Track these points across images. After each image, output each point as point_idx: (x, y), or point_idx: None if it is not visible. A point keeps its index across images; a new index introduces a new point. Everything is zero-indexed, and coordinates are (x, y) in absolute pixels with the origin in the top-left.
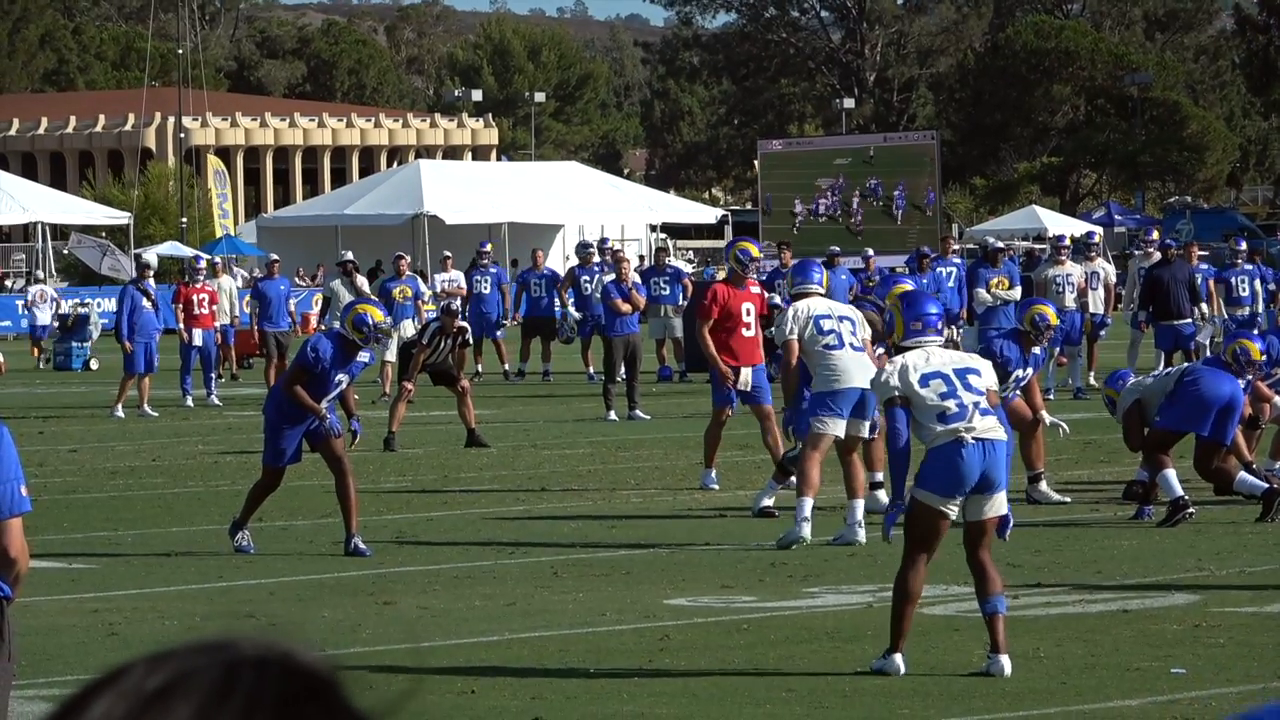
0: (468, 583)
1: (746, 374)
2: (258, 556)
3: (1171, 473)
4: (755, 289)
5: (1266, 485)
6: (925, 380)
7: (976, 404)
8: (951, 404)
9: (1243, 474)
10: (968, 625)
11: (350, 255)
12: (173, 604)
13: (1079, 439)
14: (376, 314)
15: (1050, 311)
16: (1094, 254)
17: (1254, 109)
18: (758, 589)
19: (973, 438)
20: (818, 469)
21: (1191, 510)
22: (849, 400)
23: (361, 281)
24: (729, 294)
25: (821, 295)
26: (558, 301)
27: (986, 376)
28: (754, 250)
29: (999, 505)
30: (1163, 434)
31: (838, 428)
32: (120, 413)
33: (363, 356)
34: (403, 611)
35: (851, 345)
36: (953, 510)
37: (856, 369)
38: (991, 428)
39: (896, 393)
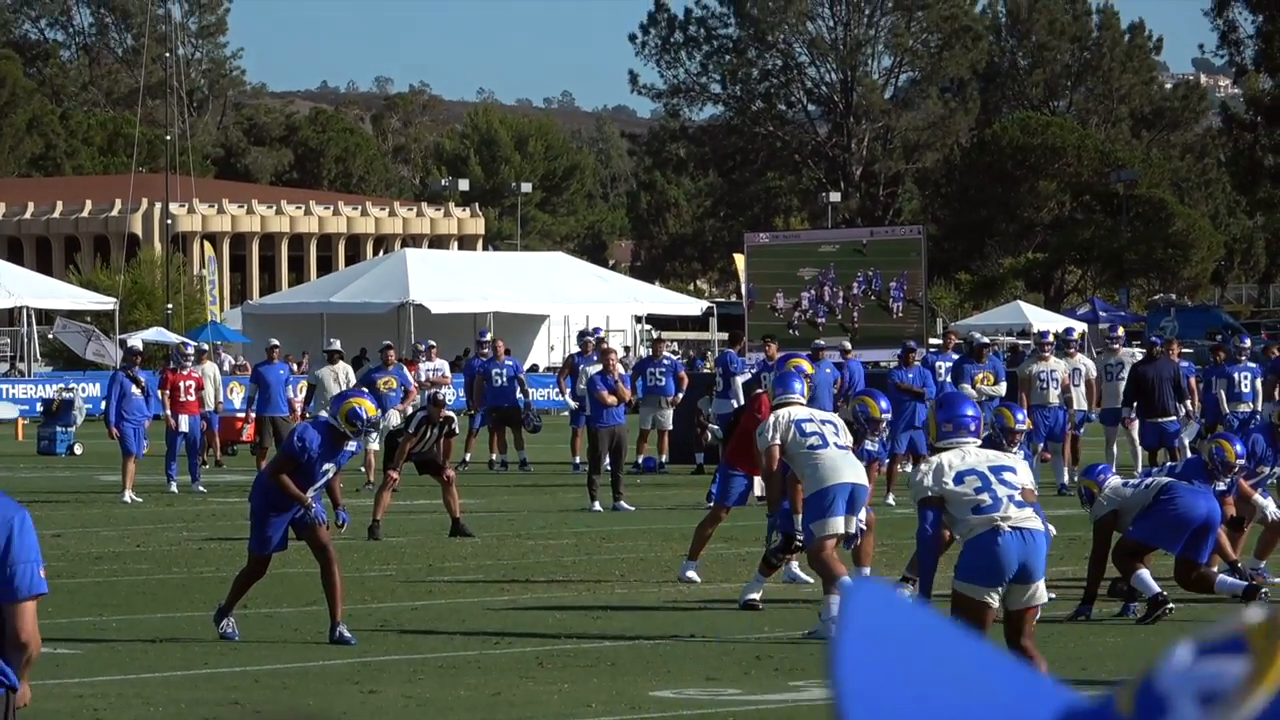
0: (453, 673)
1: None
2: (242, 643)
3: (1145, 572)
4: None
5: (1247, 583)
6: (960, 477)
7: (1011, 496)
8: (985, 496)
9: (1222, 576)
10: None
11: (337, 344)
12: (158, 690)
13: (1063, 535)
14: (370, 408)
15: (1009, 415)
16: (1073, 349)
17: (1239, 207)
18: (743, 682)
19: (1009, 526)
20: (837, 564)
21: (1171, 606)
22: (842, 495)
23: (346, 370)
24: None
25: (802, 405)
26: (519, 391)
27: (1022, 474)
28: (808, 366)
29: (1039, 595)
30: (1134, 544)
31: (838, 525)
32: (129, 496)
33: (350, 446)
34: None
35: (836, 444)
36: (994, 600)
37: (845, 465)
38: (1028, 517)
39: (930, 493)
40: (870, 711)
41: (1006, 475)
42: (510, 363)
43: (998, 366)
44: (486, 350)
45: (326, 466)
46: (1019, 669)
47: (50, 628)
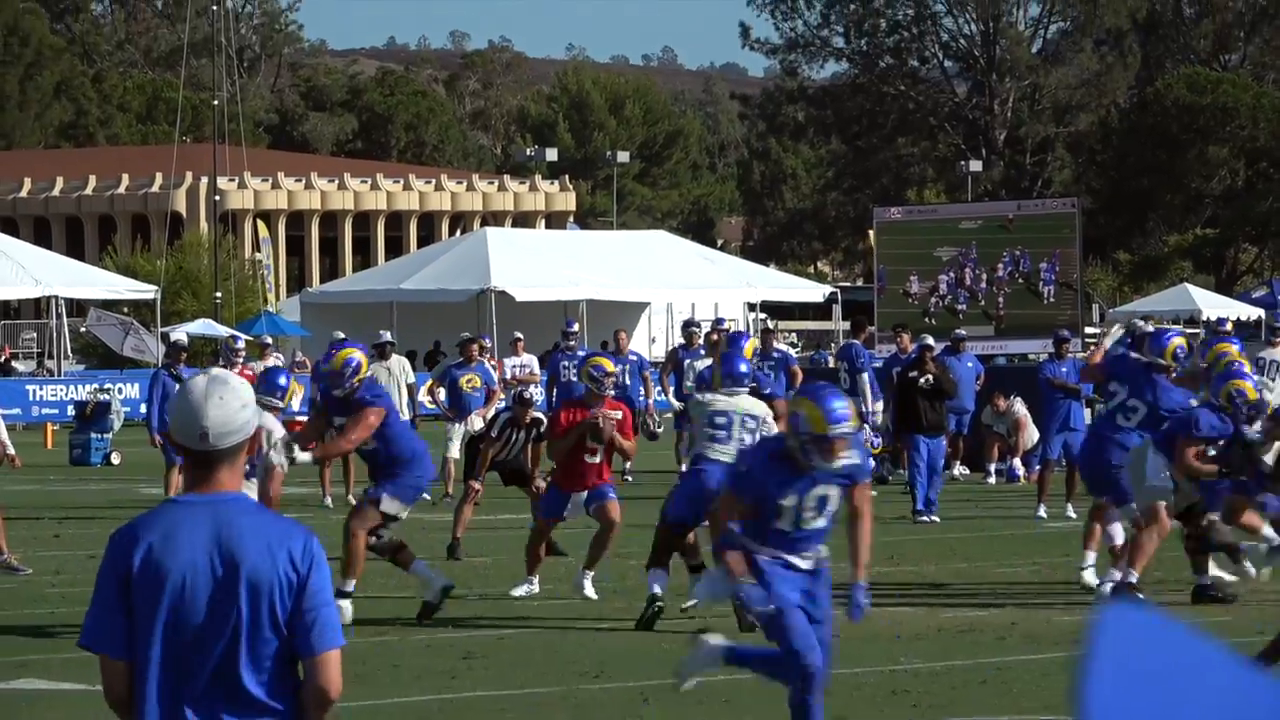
0: (544, 710)
1: (577, 499)
2: None
3: None
4: (614, 413)
5: None
6: None
7: None
8: None
9: None
10: None
11: (387, 335)
12: None
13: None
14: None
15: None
16: (1277, 339)
17: None
18: (877, 719)
19: None
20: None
21: None
22: None
23: (403, 364)
24: (574, 417)
25: None
26: (643, 391)
27: None
28: (608, 365)
29: None
30: None
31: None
32: None
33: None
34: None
35: None
36: None
37: None
38: None
39: None
40: None
41: None
42: (634, 357)
43: None
44: (573, 343)
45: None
46: None
47: (86, 660)
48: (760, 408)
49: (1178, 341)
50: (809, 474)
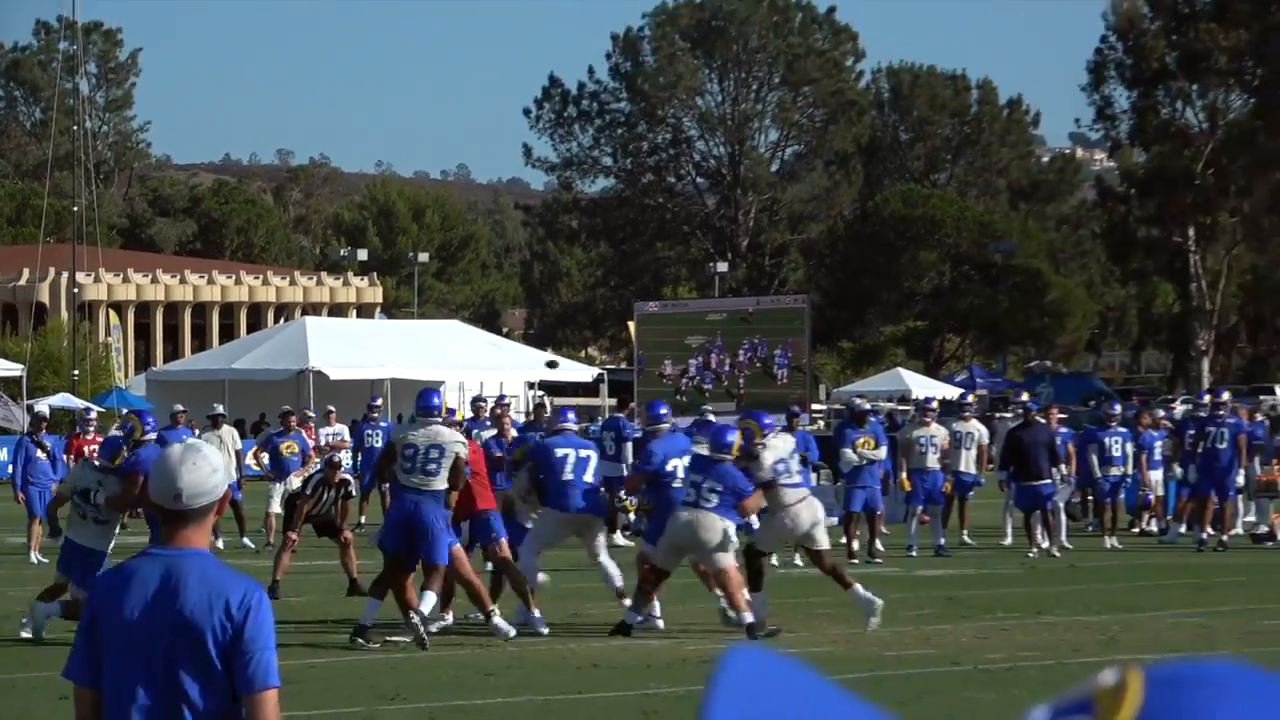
0: None
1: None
2: None
3: None
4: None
5: None
6: None
7: None
8: None
9: None
10: None
11: (220, 409)
12: None
13: (940, 594)
14: None
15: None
16: (968, 414)
17: (1113, 277)
18: None
19: None
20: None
21: None
22: None
23: (232, 434)
24: None
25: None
26: None
27: None
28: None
29: None
30: None
31: None
32: (35, 558)
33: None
34: None
35: None
36: None
37: None
38: None
39: None
40: None
41: None
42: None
43: (877, 431)
44: (376, 415)
45: None
46: None
47: None
48: (446, 436)
49: (735, 435)
50: None
